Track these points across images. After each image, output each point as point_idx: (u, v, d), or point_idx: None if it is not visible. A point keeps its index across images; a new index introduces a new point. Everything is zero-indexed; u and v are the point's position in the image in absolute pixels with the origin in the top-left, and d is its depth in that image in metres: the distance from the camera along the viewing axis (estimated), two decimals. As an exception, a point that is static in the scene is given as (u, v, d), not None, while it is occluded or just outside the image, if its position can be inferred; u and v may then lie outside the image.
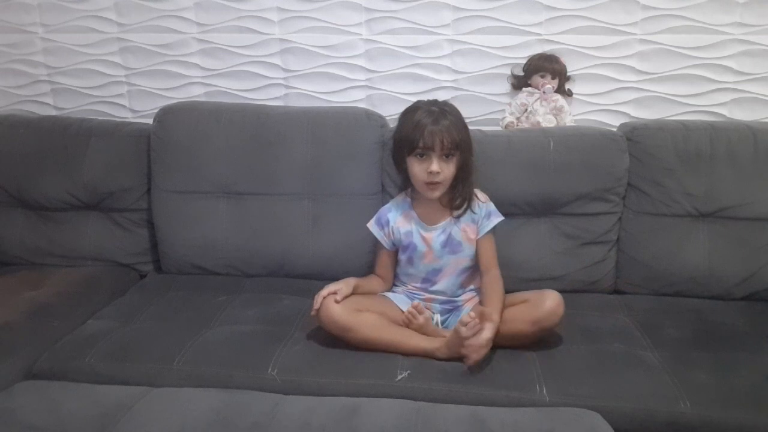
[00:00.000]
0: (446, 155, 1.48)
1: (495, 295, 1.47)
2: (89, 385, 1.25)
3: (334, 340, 1.40)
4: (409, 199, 1.61)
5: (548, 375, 1.31)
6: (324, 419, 1.11)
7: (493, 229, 1.58)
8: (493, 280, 1.52)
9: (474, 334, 1.30)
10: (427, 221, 1.57)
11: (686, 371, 1.32)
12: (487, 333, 1.30)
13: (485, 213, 1.58)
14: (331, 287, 1.41)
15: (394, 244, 1.60)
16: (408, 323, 1.43)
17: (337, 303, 1.38)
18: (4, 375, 1.33)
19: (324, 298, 1.39)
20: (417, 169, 1.50)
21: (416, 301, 1.48)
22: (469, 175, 1.55)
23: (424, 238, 1.56)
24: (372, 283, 1.59)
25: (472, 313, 1.33)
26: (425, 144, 1.46)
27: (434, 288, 1.57)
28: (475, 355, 1.30)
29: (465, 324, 1.30)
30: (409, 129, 1.49)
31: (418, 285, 1.59)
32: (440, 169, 1.47)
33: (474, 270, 1.60)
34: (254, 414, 1.12)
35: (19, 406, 1.15)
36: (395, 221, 1.59)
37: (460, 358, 1.35)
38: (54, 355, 1.40)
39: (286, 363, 1.35)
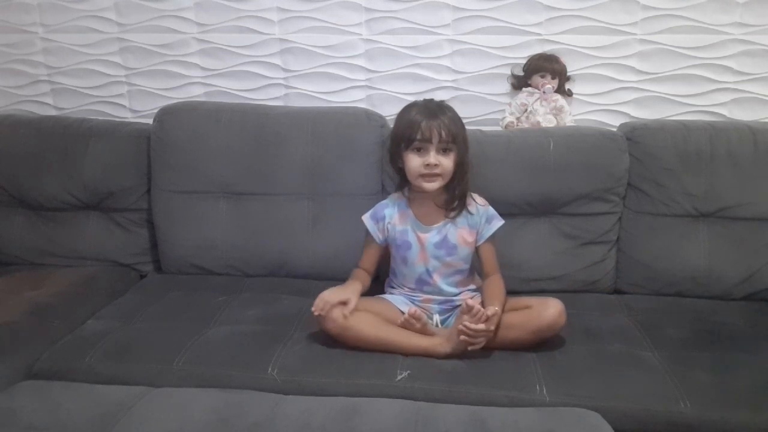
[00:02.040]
0: (444, 149, 1.48)
1: (497, 292, 1.48)
2: (89, 385, 1.25)
3: (334, 340, 1.40)
4: (405, 199, 1.60)
5: (548, 375, 1.31)
6: (324, 419, 1.11)
7: (493, 234, 1.57)
8: (495, 282, 1.53)
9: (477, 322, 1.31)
10: (424, 221, 1.56)
11: (686, 371, 1.32)
12: (491, 312, 1.32)
13: (485, 218, 1.57)
14: (341, 296, 1.38)
15: (385, 240, 1.60)
16: (405, 329, 1.43)
17: (345, 318, 1.36)
18: (4, 375, 1.32)
19: (332, 306, 1.37)
20: (414, 162, 1.49)
21: (413, 308, 1.47)
22: (464, 174, 1.54)
23: (419, 238, 1.55)
24: (365, 281, 1.57)
25: (476, 300, 1.33)
26: (423, 136, 1.45)
27: (429, 288, 1.57)
28: (478, 341, 1.32)
29: (469, 310, 1.31)
30: (406, 124, 1.49)
31: (412, 286, 1.58)
32: (438, 161, 1.46)
33: (469, 272, 1.60)
34: (254, 414, 1.12)
35: (19, 406, 1.15)
36: (392, 218, 1.58)
37: (461, 355, 1.35)
38: (54, 355, 1.40)
39: (286, 363, 1.35)
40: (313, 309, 1.38)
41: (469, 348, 1.34)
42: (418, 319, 1.42)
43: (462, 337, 1.33)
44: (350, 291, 1.43)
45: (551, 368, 1.33)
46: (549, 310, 1.37)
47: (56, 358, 1.38)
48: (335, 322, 1.37)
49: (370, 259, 1.61)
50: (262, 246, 1.80)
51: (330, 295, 1.39)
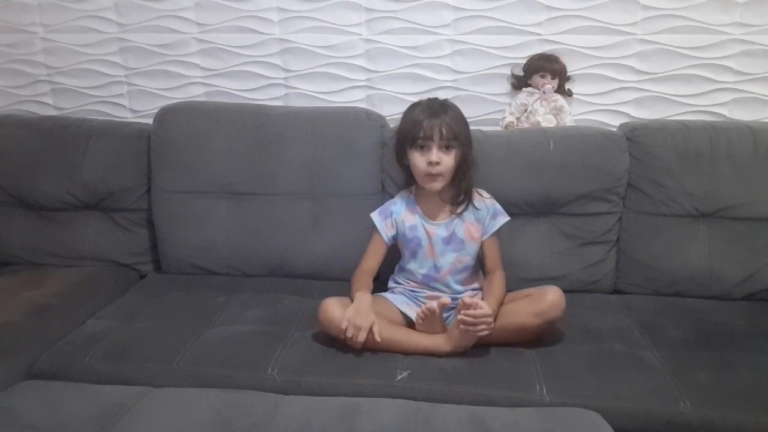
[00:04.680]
0: (446, 146, 1.49)
1: (496, 289, 1.48)
2: (89, 385, 1.25)
3: (334, 340, 1.40)
4: (413, 196, 1.62)
5: (548, 375, 1.31)
6: (324, 419, 1.11)
7: (498, 230, 1.58)
8: (496, 279, 1.53)
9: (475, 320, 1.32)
10: (431, 217, 1.58)
11: (686, 371, 1.32)
12: (487, 310, 1.32)
13: (491, 213, 1.59)
14: (364, 324, 1.34)
15: (393, 238, 1.60)
16: (423, 318, 1.40)
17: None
18: (4, 375, 1.32)
19: (359, 330, 1.34)
20: (418, 160, 1.51)
21: (431, 304, 1.41)
22: (468, 169, 1.56)
23: (427, 232, 1.57)
24: (371, 287, 1.54)
25: (476, 297, 1.33)
26: (425, 134, 1.48)
27: (436, 284, 1.57)
28: (481, 328, 1.32)
29: (466, 307, 1.31)
30: (409, 123, 1.52)
31: (419, 281, 1.59)
32: (439, 159, 1.48)
33: (475, 269, 1.61)
34: (254, 414, 1.12)
35: (19, 406, 1.15)
36: (400, 214, 1.60)
37: (462, 353, 1.36)
38: (54, 355, 1.40)
39: (286, 363, 1.35)
40: (349, 336, 1.35)
41: (478, 334, 1.34)
42: (432, 312, 1.39)
43: (462, 326, 1.33)
44: (371, 310, 1.40)
45: (551, 368, 1.33)
46: (549, 294, 1.39)
47: (56, 358, 1.39)
48: (335, 324, 1.37)
49: (374, 258, 1.60)
50: (262, 246, 1.80)
51: (362, 321, 1.35)
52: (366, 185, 1.78)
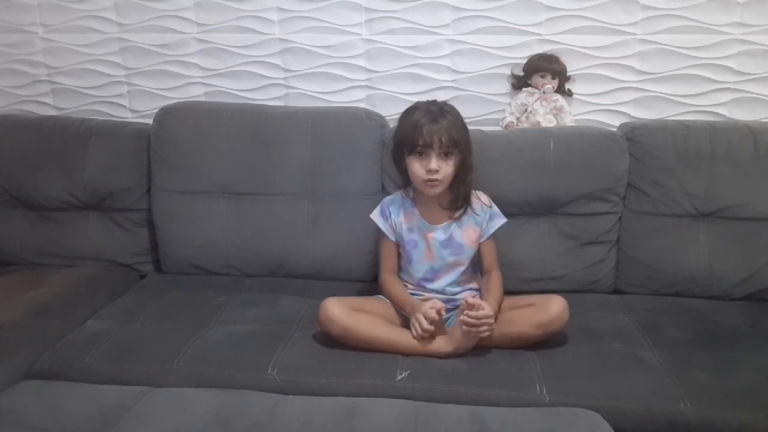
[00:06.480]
0: (445, 153, 1.48)
1: (494, 290, 1.49)
2: (89, 385, 1.25)
3: (334, 340, 1.39)
4: (410, 199, 1.61)
5: (548, 375, 1.31)
6: (324, 419, 1.11)
7: (495, 232, 1.58)
8: (494, 279, 1.54)
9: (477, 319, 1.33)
10: (429, 220, 1.57)
11: (686, 371, 1.32)
12: (489, 311, 1.33)
13: (489, 216, 1.58)
14: (432, 313, 1.37)
15: (398, 237, 1.60)
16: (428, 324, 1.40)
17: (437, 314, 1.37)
18: (4, 375, 1.32)
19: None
20: (416, 167, 1.50)
21: (430, 314, 1.39)
22: (467, 174, 1.55)
23: (425, 237, 1.56)
24: (401, 283, 1.58)
25: (477, 299, 1.34)
26: (424, 142, 1.46)
27: (431, 286, 1.57)
28: (483, 329, 1.33)
29: (470, 307, 1.32)
30: (408, 128, 1.50)
31: (414, 283, 1.59)
32: (439, 167, 1.47)
33: (472, 271, 1.61)
34: (254, 414, 1.12)
35: (19, 406, 1.15)
36: (398, 216, 1.59)
37: (462, 354, 1.36)
38: (54, 355, 1.40)
39: (286, 363, 1.35)
40: (428, 328, 1.37)
41: (480, 335, 1.34)
42: (440, 314, 1.39)
43: (464, 327, 1.33)
44: (419, 302, 1.44)
45: (551, 368, 1.33)
46: (553, 306, 1.38)
47: (56, 358, 1.38)
48: (334, 323, 1.37)
49: (391, 258, 1.61)
50: (262, 246, 1.80)
51: (432, 311, 1.37)
52: (366, 185, 1.78)
